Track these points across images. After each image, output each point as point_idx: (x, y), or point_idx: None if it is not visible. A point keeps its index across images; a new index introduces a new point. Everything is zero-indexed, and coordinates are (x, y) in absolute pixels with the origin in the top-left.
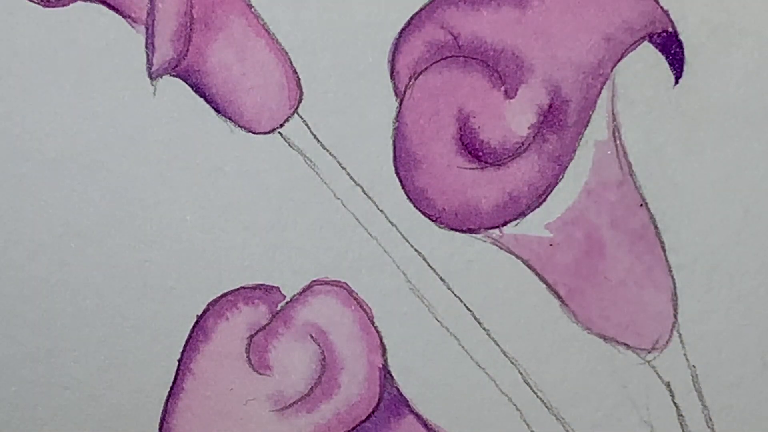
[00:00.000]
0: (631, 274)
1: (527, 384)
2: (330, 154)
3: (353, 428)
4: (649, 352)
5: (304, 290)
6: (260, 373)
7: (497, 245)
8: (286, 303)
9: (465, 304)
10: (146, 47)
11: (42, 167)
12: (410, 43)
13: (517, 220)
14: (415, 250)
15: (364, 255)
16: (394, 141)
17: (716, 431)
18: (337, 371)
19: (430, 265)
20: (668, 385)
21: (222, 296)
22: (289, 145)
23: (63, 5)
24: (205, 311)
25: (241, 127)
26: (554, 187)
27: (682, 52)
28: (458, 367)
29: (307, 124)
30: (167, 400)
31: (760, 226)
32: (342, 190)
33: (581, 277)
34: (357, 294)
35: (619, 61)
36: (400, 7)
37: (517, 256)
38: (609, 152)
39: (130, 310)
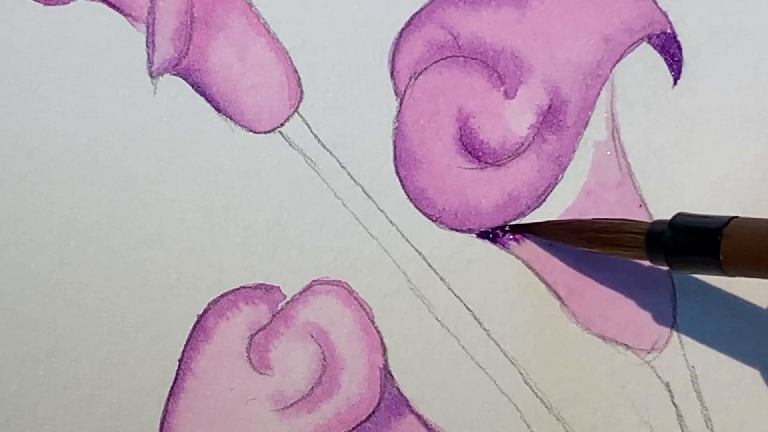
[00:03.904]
0: (631, 274)
1: (527, 384)
2: (330, 153)
3: (354, 428)
4: (649, 353)
5: (305, 290)
6: (261, 373)
7: (497, 245)
8: (287, 303)
9: (465, 304)
10: (147, 46)
11: (42, 167)
12: (410, 43)
13: (517, 220)
14: (415, 250)
15: (364, 255)
16: (394, 141)
17: (715, 431)
18: (337, 371)
19: (430, 265)
20: (667, 385)
21: (222, 296)
22: (290, 144)
23: (64, 3)
24: (205, 311)
25: (242, 126)
26: (554, 188)
27: (681, 53)
28: (458, 367)
29: (307, 124)
30: (168, 400)
31: None
32: (342, 190)
33: (581, 277)
34: (357, 294)
35: (618, 61)
36: (400, 7)
37: (517, 256)
38: (608, 153)
39: (130, 310)
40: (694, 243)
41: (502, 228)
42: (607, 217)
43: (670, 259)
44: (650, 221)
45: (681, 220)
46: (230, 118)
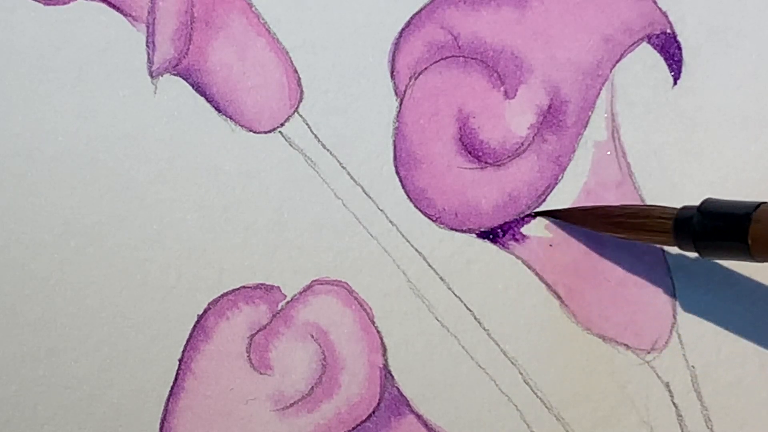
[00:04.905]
0: (630, 274)
1: (527, 384)
2: (330, 153)
3: (354, 428)
4: (649, 353)
5: (305, 290)
6: (261, 373)
7: (497, 245)
8: (287, 302)
9: (465, 304)
10: (147, 46)
11: (42, 167)
12: (410, 43)
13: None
14: (415, 250)
15: (364, 255)
16: (394, 141)
17: (715, 431)
18: (337, 371)
19: (430, 265)
20: (667, 385)
21: (223, 296)
22: (290, 144)
23: (64, 3)
24: (205, 311)
25: (242, 126)
26: (554, 188)
27: (681, 53)
28: (458, 367)
29: (307, 124)
30: (168, 400)
31: None
32: (342, 190)
33: (581, 277)
34: (357, 294)
35: (618, 61)
36: (400, 7)
37: (517, 256)
38: (608, 153)
39: (130, 310)
40: (723, 228)
41: (529, 215)
42: (634, 203)
43: (698, 245)
44: (678, 207)
45: (710, 205)
46: (230, 118)
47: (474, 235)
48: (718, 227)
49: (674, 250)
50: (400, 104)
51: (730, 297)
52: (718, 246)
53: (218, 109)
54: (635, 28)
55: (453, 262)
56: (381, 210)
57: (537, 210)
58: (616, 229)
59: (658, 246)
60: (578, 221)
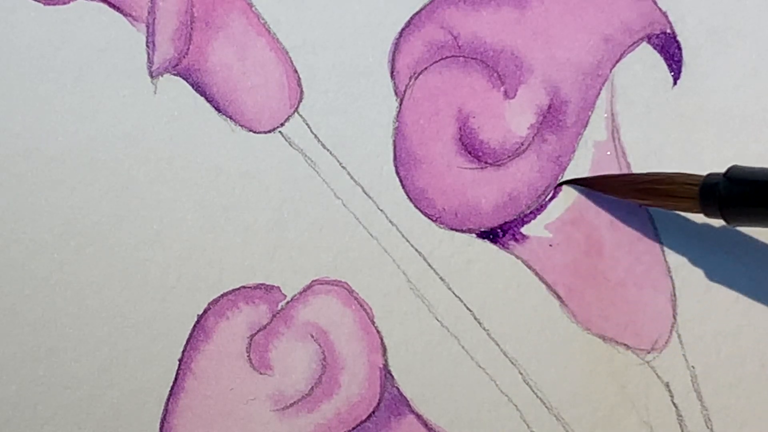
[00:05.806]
0: (631, 274)
1: (527, 384)
2: (330, 153)
3: (354, 428)
4: (649, 353)
5: (305, 290)
6: (261, 373)
7: (497, 245)
8: (287, 302)
9: (465, 304)
10: (147, 46)
11: (42, 167)
12: (410, 43)
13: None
14: (415, 250)
15: (364, 255)
16: (394, 141)
17: (715, 431)
18: (337, 371)
19: (430, 265)
20: (667, 385)
21: (222, 296)
22: (290, 144)
23: (64, 3)
24: (205, 310)
25: (242, 126)
26: (554, 187)
27: (681, 54)
28: (458, 367)
29: (307, 124)
30: (168, 400)
31: None
32: (342, 190)
33: (581, 277)
34: (357, 294)
35: (618, 61)
36: (400, 7)
37: (517, 257)
38: (608, 153)
39: (130, 310)
40: (749, 194)
41: (560, 184)
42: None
43: (724, 211)
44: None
45: (736, 171)
46: (230, 118)
47: (474, 235)
48: (745, 193)
49: (674, 247)
50: (400, 104)
51: (731, 296)
52: (744, 212)
53: (218, 109)
54: (635, 28)
55: (453, 262)
56: (381, 210)
57: (562, 180)
58: (641, 196)
59: (660, 243)
60: (604, 188)
